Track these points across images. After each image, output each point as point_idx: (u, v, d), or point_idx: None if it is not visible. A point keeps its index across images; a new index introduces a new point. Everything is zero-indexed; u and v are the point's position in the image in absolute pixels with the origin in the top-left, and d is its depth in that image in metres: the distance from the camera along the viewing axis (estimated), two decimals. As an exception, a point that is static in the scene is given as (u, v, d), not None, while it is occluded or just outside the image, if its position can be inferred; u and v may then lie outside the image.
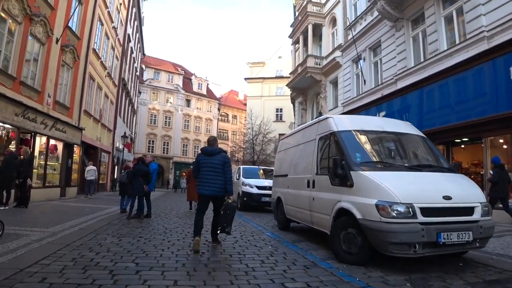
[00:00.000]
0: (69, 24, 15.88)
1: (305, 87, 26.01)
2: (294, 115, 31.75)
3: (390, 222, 4.44)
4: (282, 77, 47.49)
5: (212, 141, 6.47)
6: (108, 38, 22.98)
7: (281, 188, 8.58)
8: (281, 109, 46.60)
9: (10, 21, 11.59)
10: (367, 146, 5.82)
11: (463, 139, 12.00)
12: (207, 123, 57.21)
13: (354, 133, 5.86)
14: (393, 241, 4.39)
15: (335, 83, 22.61)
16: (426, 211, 4.52)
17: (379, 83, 17.45)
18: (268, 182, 14.79)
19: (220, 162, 5.99)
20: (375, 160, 5.51)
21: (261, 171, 16.92)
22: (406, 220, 4.46)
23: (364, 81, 18.38)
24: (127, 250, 5.36)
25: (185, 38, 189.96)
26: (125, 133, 24.54)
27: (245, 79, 49.90)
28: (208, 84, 59.85)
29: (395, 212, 4.47)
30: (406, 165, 5.55)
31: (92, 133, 20.84)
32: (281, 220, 8.58)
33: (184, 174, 42.36)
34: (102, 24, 21.10)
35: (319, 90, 23.99)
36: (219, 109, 59.15)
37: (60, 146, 15.96)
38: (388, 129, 6.18)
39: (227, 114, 62.61)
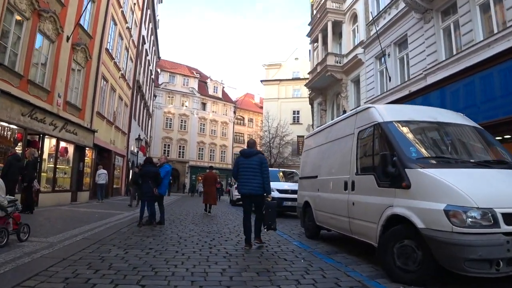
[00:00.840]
0: (81, 22, 15.29)
1: (325, 87, 24.99)
2: (313, 116, 30.72)
3: (466, 232, 3.45)
4: (299, 79, 46.56)
5: (252, 143, 6.99)
6: (122, 39, 22.42)
7: (310, 191, 7.64)
8: (298, 111, 45.60)
9: (17, 16, 10.96)
10: (422, 139, 4.86)
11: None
12: (223, 126, 56.55)
13: (403, 124, 4.88)
14: (470, 257, 3.41)
15: (356, 81, 21.56)
16: (510, 218, 3.51)
17: (406, 79, 16.38)
18: (289, 185, 13.85)
19: (257, 163, 6.41)
20: (434, 155, 4.50)
21: (281, 173, 15.98)
22: (485, 230, 3.47)
23: (389, 77, 17.29)
24: (133, 267, 4.45)
25: (200, 41, 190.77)
26: (139, 135, 23.88)
27: (261, 81, 49.07)
28: (223, 87, 59.26)
29: (471, 219, 3.48)
30: (472, 161, 4.53)
31: (106, 135, 20.22)
32: (309, 227, 7.63)
33: (200, 178, 41.84)
34: (115, 24, 20.52)
35: (339, 89, 22.95)
36: (234, 112, 58.46)
37: (70, 148, 15.29)
38: (442, 119, 5.18)
39: (243, 117, 61.85)
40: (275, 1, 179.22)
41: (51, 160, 13.75)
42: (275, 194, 12.95)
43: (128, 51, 24.48)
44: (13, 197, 6.08)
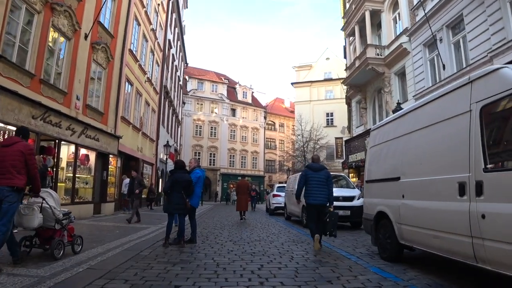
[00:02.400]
0: (101, 20, 14.16)
1: (364, 83, 23.01)
2: (350, 117, 28.72)
3: None
4: (331, 80, 44.60)
5: (317, 159, 7.93)
6: (146, 41, 21.32)
7: (387, 198, 5.81)
8: (331, 114, 43.53)
9: (27, 8, 9.78)
10: None
11: None
12: (254, 132, 55.07)
13: None
14: None
15: (401, 74, 19.51)
16: None
17: (464, 65, 14.30)
18: (339, 191, 12.03)
19: (325, 177, 7.28)
20: None
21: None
22: None
23: (443, 65, 15.23)
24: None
25: (226, 49, 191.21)
26: (167, 141, 22.59)
27: (292, 83, 47.31)
28: (253, 92, 57.91)
29: None
30: None
31: (132, 142, 19.04)
32: (387, 246, 5.75)
33: (232, 185, 40.45)
34: (139, 24, 19.41)
35: (381, 84, 20.93)
36: (265, 118, 56.88)
37: (92, 156, 14.03)
38: None
39: (274, 123, 60.20)
40: (300, 7, 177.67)
41: (70, 168, 12.47)
42: (323, 202, 11.22)
43: (153, 55, 23.41)
44: (67, 210, 6.06)
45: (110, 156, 15.45)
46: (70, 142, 12.09)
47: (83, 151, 13.28)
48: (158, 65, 25.46)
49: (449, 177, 4.02)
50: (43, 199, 5.14)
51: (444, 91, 4.54)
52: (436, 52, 16.08)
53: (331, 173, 18.55)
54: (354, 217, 11.27)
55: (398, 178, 5.34)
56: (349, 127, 32.25)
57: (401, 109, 12.32)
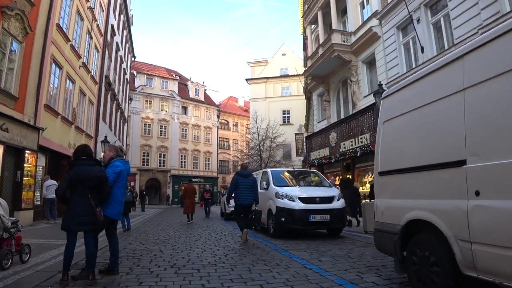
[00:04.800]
0: (14, -20, 11.15)
1: (327, 74, 21.24)
2: (311, 111, 26.94)
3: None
4: (287, 76, 43.03)
5: (245, 167, 9.90)
6: (82, 19, 18.19)
7: (433, 198, 3.52)
8: (288, 111, 41.86)
9: None
10: None
11: None
12: (206, 131, 52.22)
13: None
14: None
15: (370, 61, 17.89)
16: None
17: (446, 46, 12.75)
18: (314, 191, 9.82)
19: (252, 182, 8.78)
20: None
21: (287, 173, 11.80)
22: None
23: (422, 48, 13.62)
24: None
25: (179, 46, 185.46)
26: (105, 137, 19.27)
27: (247, 80, 45.08)
28: (205, 90, 55.05)
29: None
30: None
31: (62, 137, 15.91)
32: (434, 278, 3.41)
33: (183, 188, 37.11)
34: (70, -2, 16.32)
35: (347, 74, 19.22)
36: (218, 116, 54.19)
37: (-1, 150, 10.93)
38: None
39: (227, 122, 57.62)
40: (254, 9, 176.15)
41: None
42: (297, 205, 8.91)
43: (91, 38, 20.24)
44: (15, 218, 6.02)
45: (27, 152, 12.32)
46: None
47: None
48: (98, 52, 22.25)
49: None
50: None
51: None
52: (412, 35, 14.52)
53: (296, 169, 16.76)
54: (334, 223, 9.08)
55: (463, 162, 3.15)
56: (307, 124, 30.57)
57: (384, 90, 10.38)
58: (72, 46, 16.66)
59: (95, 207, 4.42)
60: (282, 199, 9.17)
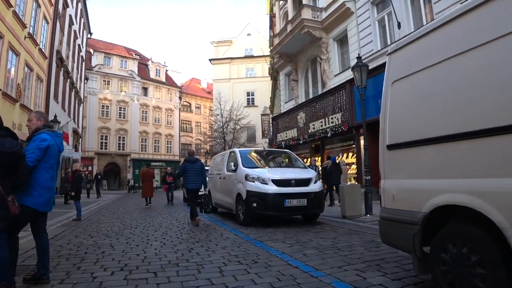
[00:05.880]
0: None
1: (296, 52, 20.40)
2: (276, 91, 26.13)
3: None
4: (252, 57, 41.86)
5: (192, 153, 9.94)
6: (26, -16, 16.21)
7: (477, 177, 2.63)
8: (252, 93, 40.86)
9: None
10: None
11: None
12: (168, 113, 50.33)
13: None
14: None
15: (342, 39, 17.16)
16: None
17: (425, 22, 12.16)
18: (289, 173, 8.93)
19: (200, 167, 9.12)
20: None
21: (253, 153, 10.76)
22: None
23: (399, 24, 12.98)
24: None
25: (139, 25, 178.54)
26: (55, 116, 17.36)
27: (210, 60, 43.43)
28: (167, 70, 52.88)
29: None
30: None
31: (4, 117, 14.12)
32: (479, 283, 2.55)
33: (142, 172, 35.22)
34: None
35: (317, 52, 18.44)
36: (180, 98, 52.29)
37: None
38: None
39: (190, 104, 55.76)
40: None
41: None
42: (270, 188, 8.01)
43: (39, 6, 18.23)
44: None
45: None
46: None
47: None
48: (48, 23, 20.20)
49: None
50: None
51: None
52: (387, 10, 13.86)
53: (266, 149, 15.84)
54: (312, 208, 8.24)
55: None
56: (272, 106, 29.78)
57: (364, 64, 9.60)
58: (15, 13, 14.75)
59: (5, 195, 3.26)
60: (253, 182, 8.22)
